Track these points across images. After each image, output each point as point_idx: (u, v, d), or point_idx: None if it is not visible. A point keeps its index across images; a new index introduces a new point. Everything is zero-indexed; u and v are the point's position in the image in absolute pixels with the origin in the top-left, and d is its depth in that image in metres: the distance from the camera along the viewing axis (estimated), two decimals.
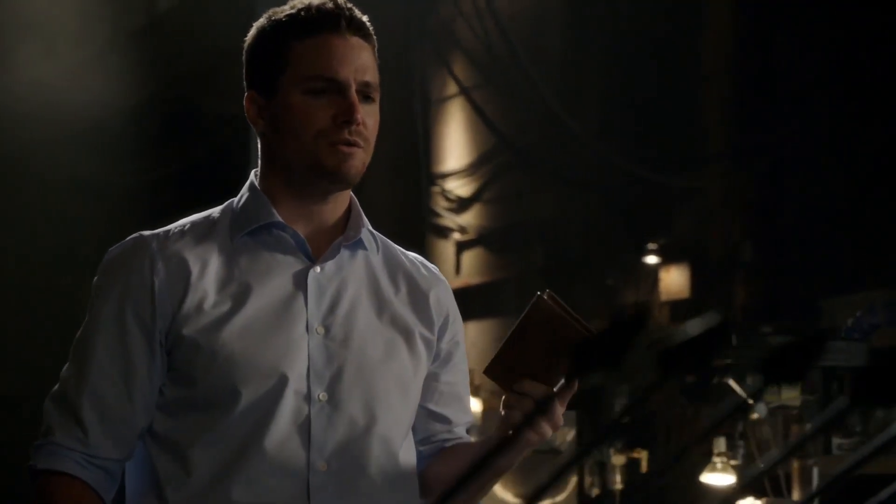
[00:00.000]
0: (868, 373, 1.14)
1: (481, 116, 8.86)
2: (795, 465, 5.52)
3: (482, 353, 8.06)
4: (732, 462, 5.67)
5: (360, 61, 2.23)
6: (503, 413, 2.21)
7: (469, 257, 9.05)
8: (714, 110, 7.88)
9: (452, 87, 9.02)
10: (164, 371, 2.22)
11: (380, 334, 2.27)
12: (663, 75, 8.00)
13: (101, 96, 7.74)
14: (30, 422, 2.49)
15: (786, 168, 7.52)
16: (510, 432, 2.20)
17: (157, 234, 2.27)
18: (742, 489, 5.11)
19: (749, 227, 7.69)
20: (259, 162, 2.31)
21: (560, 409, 2.20)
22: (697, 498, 5.73)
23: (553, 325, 2.16)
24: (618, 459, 6.92)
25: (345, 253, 2.29)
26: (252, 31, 2.29)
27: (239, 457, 2.17)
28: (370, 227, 2.33)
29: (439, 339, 2.34)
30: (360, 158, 2.23)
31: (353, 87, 2.21)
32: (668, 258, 7.84)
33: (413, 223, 8.60)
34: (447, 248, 9.05)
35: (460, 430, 2.39)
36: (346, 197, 2.31)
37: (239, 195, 2.31)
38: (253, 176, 2.31)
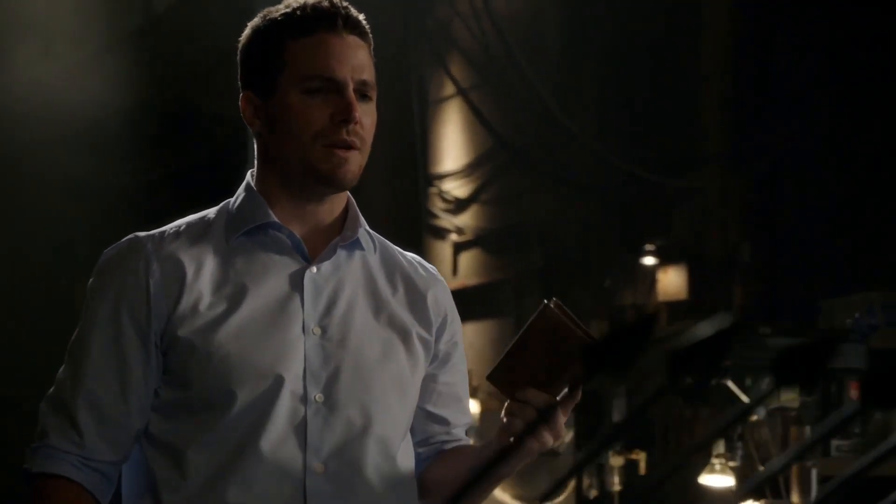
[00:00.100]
0: (879, 376, 1.13)
1: (479, 117, 8.84)
2: (794, 467, 5.50)
3: (479, 354, 8.06)
4: (731, 463, 5.65)
5: (357, 60, 2.22)
6: (504, 420, 2.19)
7: (466, 258, 9.02)
8: (713, 111, 7.87)
9: (450, 88, 9.00)
10: (160, 373, 2.21)
11: (377, 335, 2.25)
12: (662, 75, 7.99)
13: (98, 96, 7.72)
14: (28, 422, 2.48)
15: (785, 168, 7.52)
16: (511, 440, 2.19)
17: (153, 236, 2.25)
18: (745, 494, 5.10)
19: (748, 228, 7.68)
20: (255, 162, 2.30)
21: (562, 419, 2.19)
22: (696, 499, 5.72)
23: (559, 334, 2.15)
24: (616, 461, 6.90)
25: (341, 253, 2.27)
26: (247, 31, 2.28)
27: (235, 458, 2.16)
28: (367, 228, 2.32)
29: (437, 339, 2.33)
30: (356, 162, 2.21)
31: (351, 86, 2.20)
32: (666, 259, 7.82)
33: (410, 224, 8.57)
34: (444, 249, 9.03)
35: (459, 432, 2.38)
36: (343, 197, 2.30)
37: (235, 196, 2.30)
38: (249, 176, 2.30)
